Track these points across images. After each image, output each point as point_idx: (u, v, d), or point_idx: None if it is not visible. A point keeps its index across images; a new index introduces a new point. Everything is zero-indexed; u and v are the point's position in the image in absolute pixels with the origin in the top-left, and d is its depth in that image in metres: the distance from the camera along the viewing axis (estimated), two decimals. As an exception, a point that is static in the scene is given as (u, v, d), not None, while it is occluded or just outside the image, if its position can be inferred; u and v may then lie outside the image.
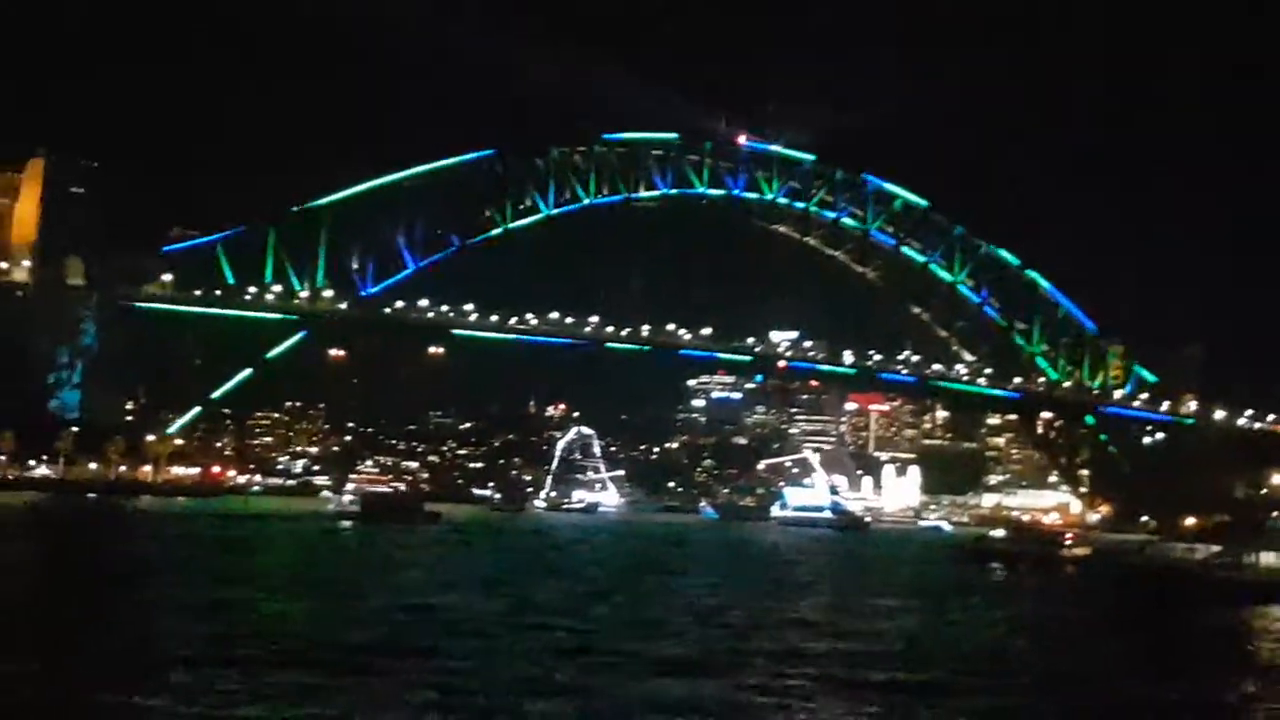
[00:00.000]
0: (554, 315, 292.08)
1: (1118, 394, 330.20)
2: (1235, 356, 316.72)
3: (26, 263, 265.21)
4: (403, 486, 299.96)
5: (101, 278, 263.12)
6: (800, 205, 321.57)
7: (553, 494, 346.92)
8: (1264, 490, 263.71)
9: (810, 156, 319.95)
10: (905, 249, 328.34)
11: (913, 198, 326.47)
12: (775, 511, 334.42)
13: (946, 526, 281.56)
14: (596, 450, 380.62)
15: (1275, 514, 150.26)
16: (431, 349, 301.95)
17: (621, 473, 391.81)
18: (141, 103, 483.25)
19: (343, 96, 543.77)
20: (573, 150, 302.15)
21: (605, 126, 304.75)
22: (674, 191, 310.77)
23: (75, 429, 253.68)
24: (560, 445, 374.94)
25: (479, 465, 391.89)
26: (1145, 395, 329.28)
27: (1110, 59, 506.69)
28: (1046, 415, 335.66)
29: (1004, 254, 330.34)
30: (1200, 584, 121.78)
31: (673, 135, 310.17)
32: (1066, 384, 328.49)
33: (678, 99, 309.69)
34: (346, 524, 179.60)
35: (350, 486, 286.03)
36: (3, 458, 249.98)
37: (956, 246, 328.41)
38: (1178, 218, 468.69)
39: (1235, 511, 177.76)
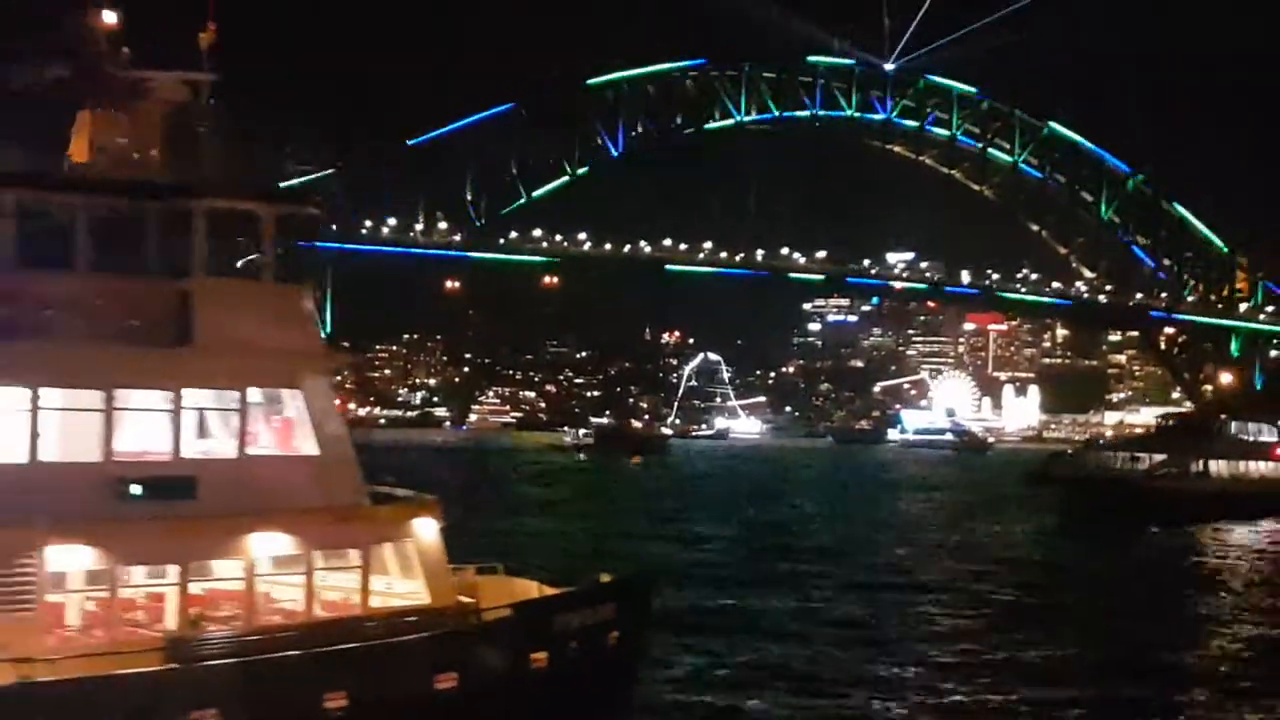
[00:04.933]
0: (667, 242, 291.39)
1: (1244, 307, 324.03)
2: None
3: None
4: (636, 422, 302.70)
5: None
6: (914, 124, 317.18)
7: (677, 421, 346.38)
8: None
9: (926, 75, 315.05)
10: (1022, 165, 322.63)
11: (1027, 115, 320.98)
12: (894, 435, 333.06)
13: None
14: (725, 376, 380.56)
15: (1224, 416, 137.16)
16: (546, 278, 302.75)
17: (762, 399, 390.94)
18: (246, 37, 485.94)
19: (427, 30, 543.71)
20: (684, 76, 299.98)
21: (713, 50, 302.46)
22: (786, 115, 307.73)
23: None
24: (686, 372, 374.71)
25: (596, 394, 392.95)
26: (1271, 309, 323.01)
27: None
28: (1169, 330, 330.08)
29: (1123, 168, 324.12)
30: (1139, 497, 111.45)
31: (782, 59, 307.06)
32: (1190, 299, 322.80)
33: (789, 21, 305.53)
34: (582, 456, 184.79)
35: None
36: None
37: (1074, 161, 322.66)
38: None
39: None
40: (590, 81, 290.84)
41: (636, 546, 74.62)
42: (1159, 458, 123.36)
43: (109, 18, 32.41)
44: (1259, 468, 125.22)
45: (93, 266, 29.69)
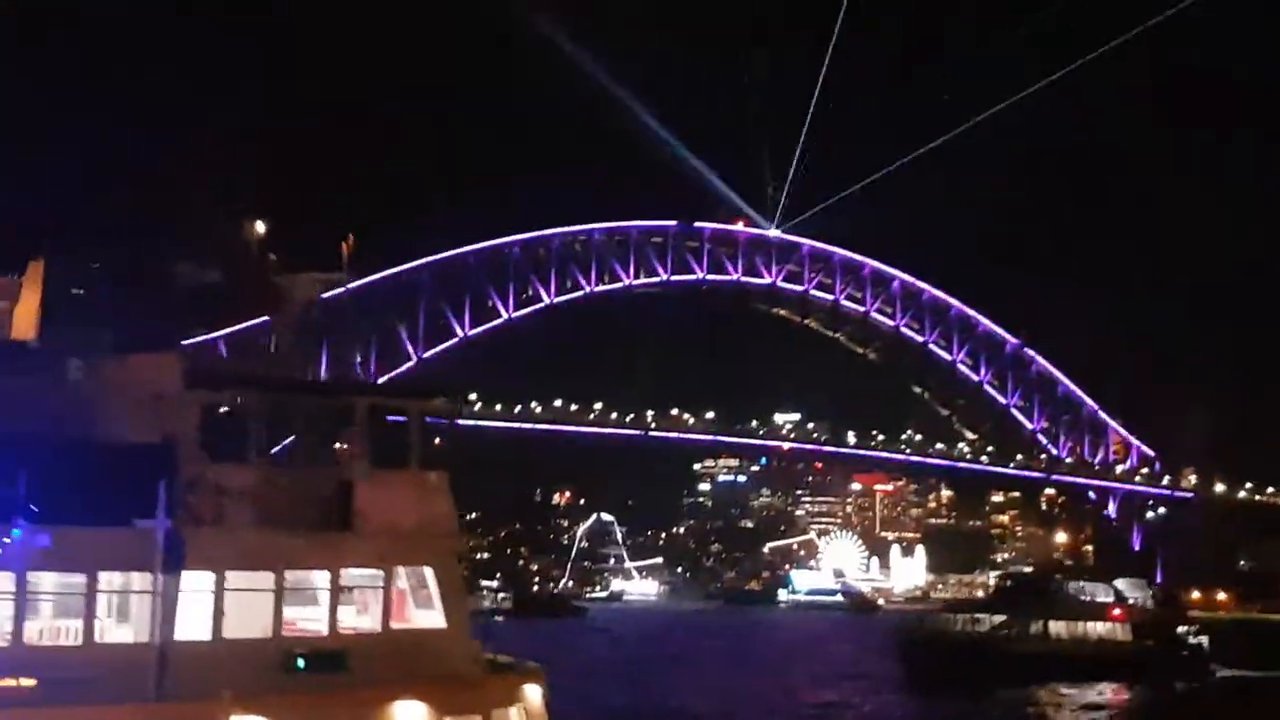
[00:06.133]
0: (557, 404, 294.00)
1: (1119, 469, 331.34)
2: (1234, 431, 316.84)
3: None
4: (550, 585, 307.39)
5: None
6: (799, 289, 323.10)
7: (570, 583, 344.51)
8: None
9: (808, 241, 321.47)
10: (904, 329, 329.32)
11: (909, 279, 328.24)
12: (784, 595, 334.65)
13: None
14: (618, 537, 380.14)
15: (1059, 576, 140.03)
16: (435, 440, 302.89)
17: (659, 561, 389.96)
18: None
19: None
20: (574, 240, 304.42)
21: (603, 216, 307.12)
22: (674, 278, 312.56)
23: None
24: (579, 533, 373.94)
25: (485, 555, 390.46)
26: (1146, 470, 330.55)
27: (1099, 136, 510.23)
28: (1049, 492, 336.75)
29: (1002, 333, 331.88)
30: (979, 658, 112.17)
31: (670, 223, 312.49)
32: (1068, 460, 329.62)
33: (676, 186, 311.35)
34: (499, 619, 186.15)
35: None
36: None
37: (954, 326, 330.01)
38: (1174, 294, 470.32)
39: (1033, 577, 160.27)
40: (481, 245, 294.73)
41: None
42: (999, 618, 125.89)
43: (259, 227, 36.69)
44: (1097, 629, 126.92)
45: (262, 458, 33.03)
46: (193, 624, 30.66)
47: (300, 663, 31.59)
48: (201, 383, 33.49)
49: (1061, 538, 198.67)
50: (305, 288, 37.71)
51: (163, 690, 29.35)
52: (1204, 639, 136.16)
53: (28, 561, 28.95)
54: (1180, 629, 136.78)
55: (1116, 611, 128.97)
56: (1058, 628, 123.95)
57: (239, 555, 31.32)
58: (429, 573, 34.52)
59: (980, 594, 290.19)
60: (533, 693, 35.68)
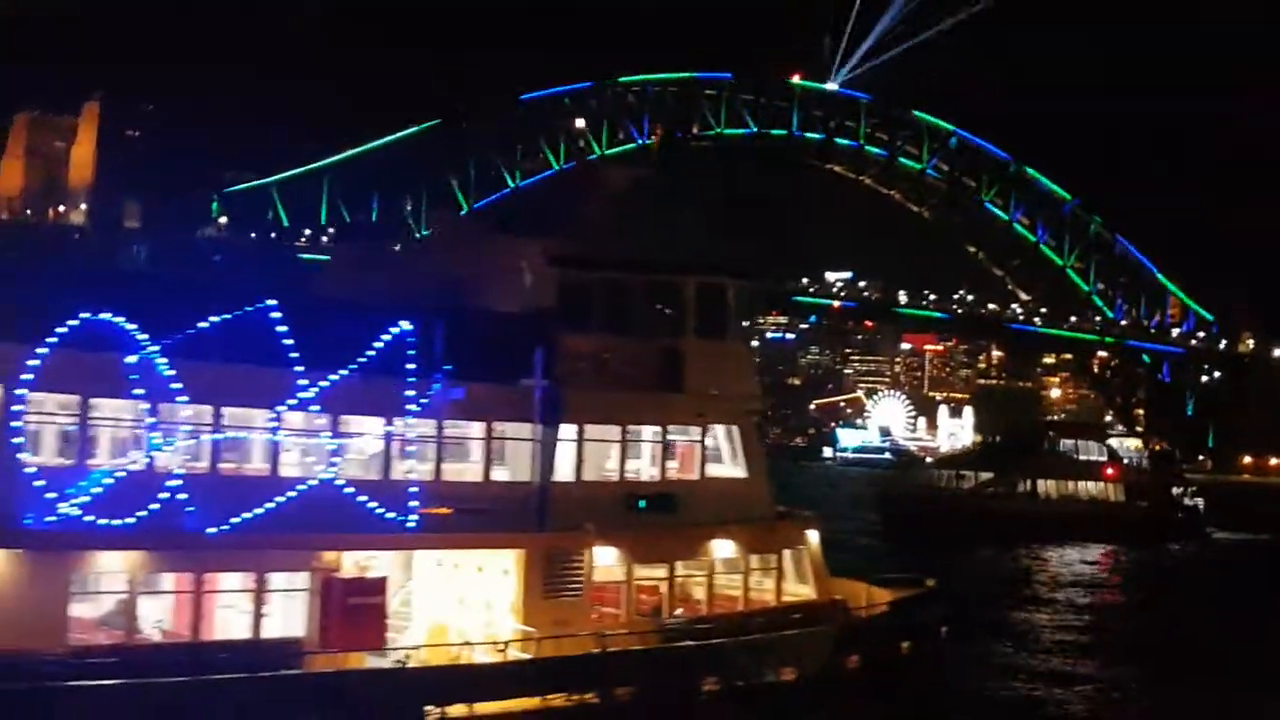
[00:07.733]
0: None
1: (1175, 332, 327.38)
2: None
3: (84, 205, 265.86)
4: None
5: (158, 220, 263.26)
6: (854, 144, 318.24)
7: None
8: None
9: (865, 95, 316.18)
10: (960, 186, 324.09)
11: (967, 135, 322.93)
12: (828, 452, 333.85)
13: None
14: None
15: (1052, 433, 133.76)
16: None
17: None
18: (195, 46, 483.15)
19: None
20: (626, 89, 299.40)
21: (660, 66, 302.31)
22: (728, 131, 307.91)
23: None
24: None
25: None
26: (1203, 334, 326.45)
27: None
28: (1103, 354, 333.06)
29: (1060, 191, 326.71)
30: (963, 516, 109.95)
31: (726, 74, 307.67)
32: (1124, 322, 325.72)
33: (732, 37, 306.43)
34: None
35: None
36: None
37: (1012, 184, 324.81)
38: (1236, 157, 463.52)
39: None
40: (532, 94, 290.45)
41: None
42: (986, 476, 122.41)
43: (579, 123, 41.98)
44: (1088, 488, 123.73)
45: (605, 329, 38.19)
46: (561, 467, 35.80)
47: (642, 503, 36.80)
48: (559, 261, 37.86)
49: (1056, 394, 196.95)
50: (618, 179, 45.12)
51: (543, 522, 34.78)
52: (1199, 501, 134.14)
53: (444, 411, 33.75)
54: (1175, 490, 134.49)
55: (1109, 471, 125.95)
56: (1046, 486, 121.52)
57: (594, 410, 36.43)
58: (736, 430, 39.59)
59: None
60: (814, 536, 40.75)
